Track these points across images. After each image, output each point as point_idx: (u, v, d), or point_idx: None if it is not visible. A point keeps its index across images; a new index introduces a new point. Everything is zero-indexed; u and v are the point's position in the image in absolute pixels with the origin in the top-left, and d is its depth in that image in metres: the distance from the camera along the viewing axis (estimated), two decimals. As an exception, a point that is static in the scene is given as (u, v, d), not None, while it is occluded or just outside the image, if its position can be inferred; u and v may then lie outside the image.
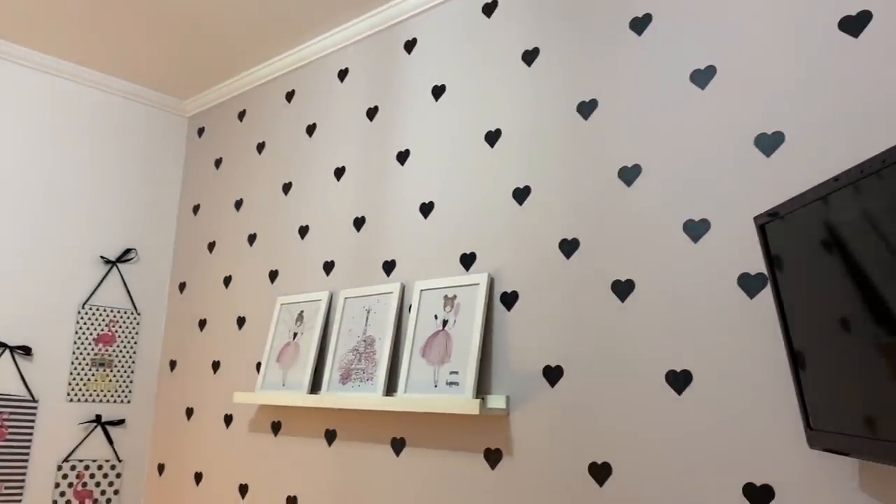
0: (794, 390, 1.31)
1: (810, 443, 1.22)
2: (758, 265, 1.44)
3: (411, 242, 2.16)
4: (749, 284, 1.45)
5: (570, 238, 1.77)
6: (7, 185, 2.72)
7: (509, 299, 1.87)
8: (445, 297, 2.00)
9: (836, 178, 1.13)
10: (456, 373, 1.89)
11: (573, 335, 1.71)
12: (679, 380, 1.51)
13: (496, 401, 1.82)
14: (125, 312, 2.96)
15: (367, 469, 2.10)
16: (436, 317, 2.00)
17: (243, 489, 2.48)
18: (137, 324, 3.00)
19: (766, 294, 1.42)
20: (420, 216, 2.15)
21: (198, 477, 2.69)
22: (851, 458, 1.26)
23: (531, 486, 1.71)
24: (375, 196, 2.31)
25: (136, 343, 2.98)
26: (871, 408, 1.06)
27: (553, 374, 1.73)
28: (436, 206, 2.12)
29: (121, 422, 2.89)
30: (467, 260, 2.00)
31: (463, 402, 1.77)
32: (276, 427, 2.42)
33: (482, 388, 1.87)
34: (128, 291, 2.99)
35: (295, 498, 2.28)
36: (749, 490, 1.37)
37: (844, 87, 1.40)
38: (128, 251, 2.99)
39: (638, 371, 1.58)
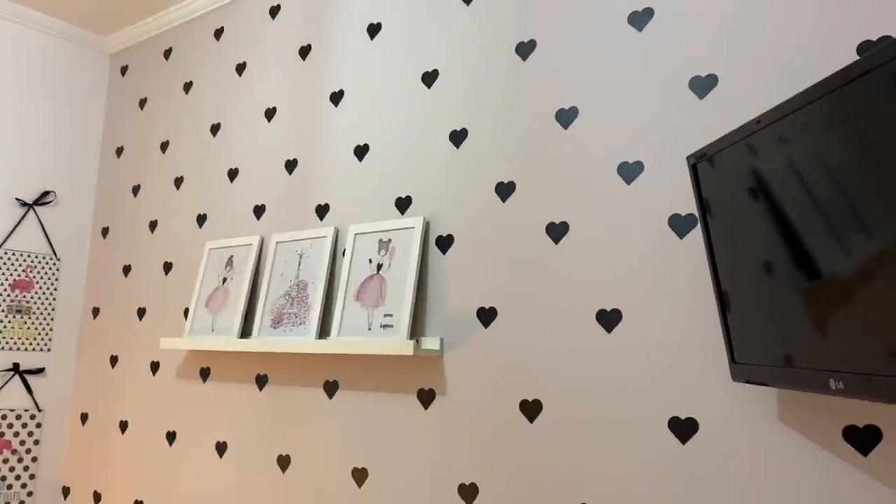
0: (720, 327, 1.35)
1: (734, 375, 1.26)
2: (688, 206, 1.47)
3: (345, 186, 2.13)
4: (679, 225, 1.48)
5: (506, 181, 1.77)
6: (-90, 119, 2.54)
7: (445, 243, 1.86)
8: (380, 241, 1.98)
9: (758, 120, 1.15)
10: (390, 315, 1.88)
11: (507, 277, 1.72)
12: (609, 318, 1.54)
13: (430, 342, 1.82)
14: (44, 258, 2.84)
15: (300, 413, 2.08)
16: (370, 261, 1.98)
17: (171, 436, 2.43)
18: (57, 269, 2.87)
19: (695, 234, 1.45)
20: (354, 159, 2.12)
21: (123, 425, 2.63)
22: (771, 388, 1.32)
23: (464, 424, 1.73)
24: (308, 138, 2.26)
25: (55, 289, 2.86)
26: (790, 344, 1.10)
27: (487, 316, 1.74)
28: (371, 148, 2.08)
29: (40, 370, 2.79)
30: (403, 204, 1.98)
31: (397, 343, 1.77)
32: (204, 373, 2.38)
33: (416, 331, 1.87)
34: (46, 236, 2.86)
35: (225, 444, 2.26)
36: (674, 424, 1.42)
37: (777, 31, 1.42)
38: (46, 193, 2.86)
39: (569, 311, 1.60)
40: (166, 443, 2.44)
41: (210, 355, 2.37)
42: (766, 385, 1.18)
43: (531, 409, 1.63)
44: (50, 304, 2.84)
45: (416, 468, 1.80)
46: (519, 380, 1.66)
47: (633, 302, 1.52)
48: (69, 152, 2.94)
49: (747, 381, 1.23)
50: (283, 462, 2.08)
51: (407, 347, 1.75)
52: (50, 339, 2.83)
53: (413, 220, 1.92)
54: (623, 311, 1.53)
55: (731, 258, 1.26)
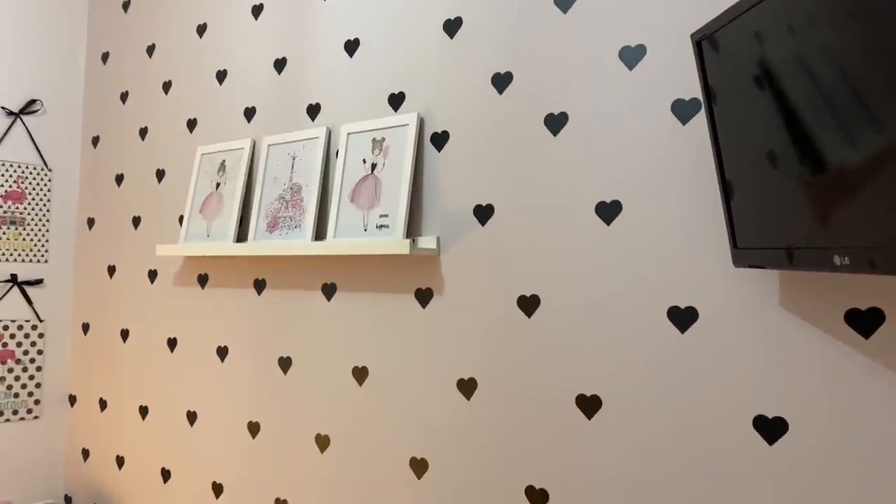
0: (723, 214, 1.32)
1: (735, 261, 1.24)
2: (691, 90, 1.41)
3: (336, 84, 2.05)
4: (682, 110, 1.42)
5: (503, 72, 1.70)
6: None
7: (440, 139, 1.81)
8: (374, 139, 1.92)
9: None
10: (386, 216, 1.85)
11: (504, 173, 1.68)
12: (609, 210, 1.50)
13: (426, 241, 1.79)
14: (34, 168, 2.79)
15: (299, 316, 2.08)
16: (364, 161, 1.93)
17: (172, 343, 2.44)
18: (49, 180, 2.83)
19: (698, 120, 1.40)
20: (345, 55, 2.04)
21: (124, 334, 2.64)
22: (772, 275, 1.29)
23: (462, 322, 1.72)
24: (297, 35, 2.17)
25: (48, 201, 2.82)
26: (794, 228, 1.06)
27: (484, 213, 1.71)
28: (361, 43, 2.00)
29: (39, 281, 2.78)
30: (396, 100, 1.91)
31: (393, 243, 1.74)
32: (202, 280, 2.36)
33: (413, 231, 1.84)
34: (36, 146, 2.80)
35: (226, 348, 2.26)
36: (673, 313, 1.40)
37: None
38: (32, 102, 2.78)
39: (568, 204, 1.57)
40: (168, 349, 2.46)
41: (207, 262, 2.36)
42: (769, 268, 1.15)
43: (529, 304, 1.61)
44: (44, 215, 2.81)
45: (416, 365, 1.80)
46: (516, 276, 1.64)
47: (633, 192, 1.47)
48: (53, 59, 2.85)
49: (749, 266, 1.20)
50: (285, 364, 2.09)
51: (403, 247, 1.72)
52: (46, 251, 2.81)
53: (407, 117, 1.86)
54: (623, 203, 1.49)
55: (735, 145, 1.21)
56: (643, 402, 1.43)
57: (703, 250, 1.38)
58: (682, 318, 1.39)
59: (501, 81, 1.70)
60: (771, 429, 1.29)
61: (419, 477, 1.77)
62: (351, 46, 2.02)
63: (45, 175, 2.82)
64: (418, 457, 1.77)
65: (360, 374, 1.91)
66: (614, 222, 1.50)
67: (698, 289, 1.38)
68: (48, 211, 2.82)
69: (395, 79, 1.91)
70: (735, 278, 1.34)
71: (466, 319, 1.71)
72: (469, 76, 1.76)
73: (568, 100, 1.59)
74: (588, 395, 1.51)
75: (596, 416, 1.49)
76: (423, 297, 1.80)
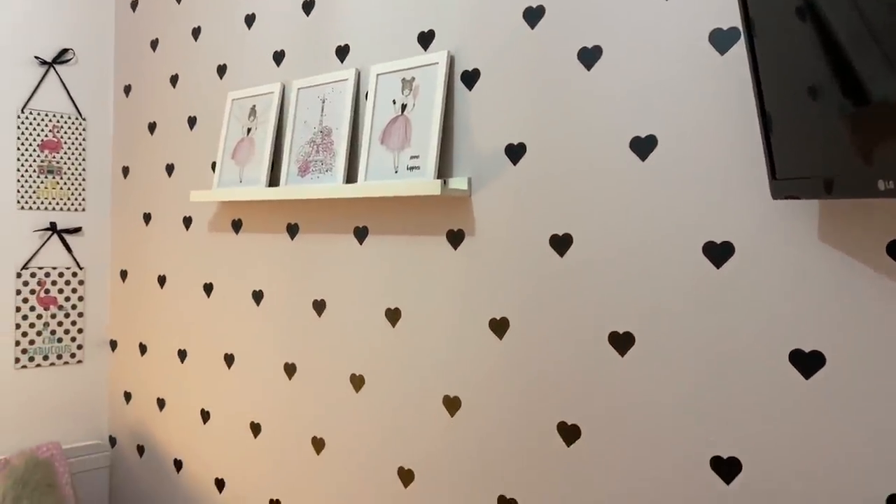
0: (762, 146, 1.29)
1: (774, 193, 1.21)
2: (730, 19, 1.37)
3: (365, 24, 2.03)
4: (721, 40, 1.38)
5: (535, 6, 1.66)
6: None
7: (470, 77, 1.78)
8: (403, 79, 1.90)
9: None
10: (417, 157, 1.83)
11: (537, 110, 1.65)
12: (644, 145, 1.48)
13: (458, 182, 1.78)
14: (69, 118, 2.81)
15: (332, 259, 2.09)
16: (394, 102, 1.92)
17: (208, 288, 2.48)
18: (84, 129, 2.86)
19: (736, 50, 1.36)
20: (374, -6, 2.01)
21: (161, 280, 2.68)
22: (811, 208, 1.26)
23: (493, 262, 1.72)
24: (325, -25, 2.14)
25: (84, 150, 2.86)
26: (837, 158, 1.03)
27: (516, 152, 1.69)
28: (391, -18, 1.97)
29: (77, 229, 2.83)
30: (425, 38, 1.88)
31: (424, 184, 1.74)
32: (236, 225, 2.39)
33: (443, 172, 1.83)
34: (69, 95, 2.82)
35: (261, 292, 2.29)
36: (709, 248, 1.38)
37: None
38: (64, 51, 2.79)
39: (602, 141, 1.54)
40: (204, 294, 2.50)
41: (241, 207, 2.38)
42: (808, 198, 1.12)
43: (561, 243, 1.60)
44: (80, 164, 2.84)
45: (448, 306, 1.81)
46: (549, 215, 1.62)
47: (668, 126, 1.44)
48: (84, 7, 2.85)
49: (787, 197, 1.17)
50: (319, 307, 2.12)
51: (434, 187, 1.71)
52: (83, 199, 2.86)
53: (436, 56, 1.83)
54: (658, 137, 1.46)
55: (776, 76, 1.17)
56: (677, 338, 1.43)
57: (739, 184, 1.35)
58: (718, 253, 1.37)
59: (533, 15, 1.66)
60: (807, 363, 1.27)
61: (452, 414, 1.79)
62: (379, -15, 1.99)
63: (80, 124, 2.85)
64: (451, 395, 1.79)
65: (393, 315, 1.93)
66: (649, 157, 1.47)
67: (734, 223, 1.36)
68: (84, 160, 2.86)
69: (424, 17, 1.88)
70: (772, 212, 1.31)
71: (498, 260, 1.71)
72: (500, 11, 1.72)
73: (602, 33, 1.55)
74: (621, 332, 1.50)
75: (629, 352, 1.49)
76: (455, 238, 1.80)
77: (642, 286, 1.47)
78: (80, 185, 2.84)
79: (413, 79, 1.88)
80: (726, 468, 1.36)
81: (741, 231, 1.35)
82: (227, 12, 2.44)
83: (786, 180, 1.18)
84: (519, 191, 1.68)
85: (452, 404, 1.79)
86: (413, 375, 1.88)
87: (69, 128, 2.81)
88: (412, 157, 1.85)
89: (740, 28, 1.35)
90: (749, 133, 1.34)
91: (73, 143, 2.82)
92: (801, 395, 1.28)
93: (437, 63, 1.83)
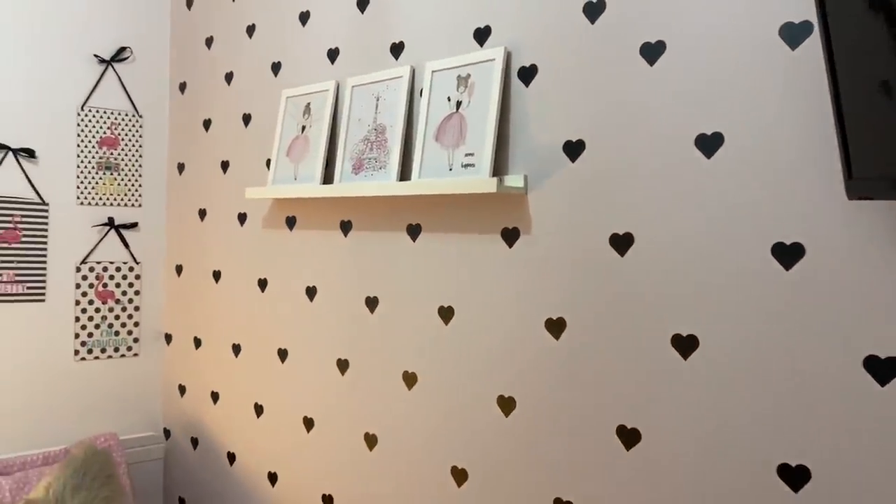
0: (837, 143, 1.24)
1: (849, 193, 1.16)
2: (801, 12, 1.32)
3: (420, 20, 2.02)
4: (792, 34, 1.33)
5: (595, 0, 1.63)
6: (-16, -25, 2.53)
7: (527, 74, 1.76)
8: (458, 76, 1.89)
9: None
10: (472, 154, 1.82)
11: (596, 107, 1.62)
12: (709, 142, 1.44)
13: (513, 180, 1.76)
14: (126, 115, 2.87)
15: (385, 257, 2.09)
16: (449, 99, 1.90)
17: (262, 283, 2.51)
18: (140, 126, 2.91)
19: (809, 45, 1.31)
20: (429, -9, 1.99)
21: (216, 275, 2.72)
22: (890, 208, 1.21)
23: (550, 261, 1.69)
24: (380, -28, 2.14)
25: (140, 146, 2.91)
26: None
27: (574, 149, 1.66)
28: (446, -22, 1.95)
29: (134, 225, 2.88)
30: (481, 35, 1.86)
31: (479, 182, 1.72)
32: (290, 222, 2.40)
33: (499, 169, 1.81)
34: (127, 93, 2.87)
35: (314, 288, 2.31)
36: (778, 249, 1.34)
37: None
38: (122, 49, 2.85)
39: (665, 138, 1.50)
40: (258, 289, 2.52)
41: (295, 204, 2.39)
42: (886, 199, 1.08)
43: (622, 243, 1.57)
44: (136, 160, 2.90)
45: (502, 305, 1.79)
46: (609, 213, 1.59)
47: (735, 123, 1.40)
48: (140, 6, 2.90)
49: (864, 198, 1.13)
50: (372, 303, 2.12)
51: (490, 185, 1.70)
52: (140, 195, 2.91)
53: (493, 52, 1.81)
54: (725, 134, 1.42)
55: (851, 73, 1.13)
56: (743, 341, 1.39)
57: (811, 183, 1.31)
58: (788, 254, 1.33)
59: (593, 10, 1.63)
60: (883, 369, 1.22)
61: (507, 415, 1.77)
62: (435, -19, 1.98)
63: (137, 121, 2.90)
64: (506, 395, 1.78)
65: (447, 313, 1.92)
66: (715, 155, 1.43)
67: (805, 224, 1.31)
68: (140, 156, 2.91)
69: (481, 13, 1.87)
70: (845, 212, 1.27)
71: (555, 258, 1.69)
72: (559, 7, 1.70)
73: (665, 27, 1.51)
74: (684, 334, 1.47)
75: (692, 355, 1.46)
76: (510, 236, 1.78)
77: (707, 288, 1.44)
78: (136, 181, 2.89)
79: (469, 76, 1.87)
80: (794, 476, 1.32)
81: (812, 231, 1.30)
82: (282, 10, 2.46)
83: (862, 180, 1.13)
84: (577, 188, 1.65)
85: (507, 405, 1.77)
86: (467, 374, 1.87)
87: (126, 125, 2.87)
88: (467, 155, 1.83)
89: (813, 22, 1.31)
90: (821, 130, 1.29)
91: (130, 140, 2.87)
92: (875, 402, 1.23)
93: (494, 59, 1.81)
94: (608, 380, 1.59)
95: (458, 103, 1.88)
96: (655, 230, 1.52)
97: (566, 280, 1.67)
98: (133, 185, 2.89)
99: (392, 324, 2.06)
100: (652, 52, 1.53)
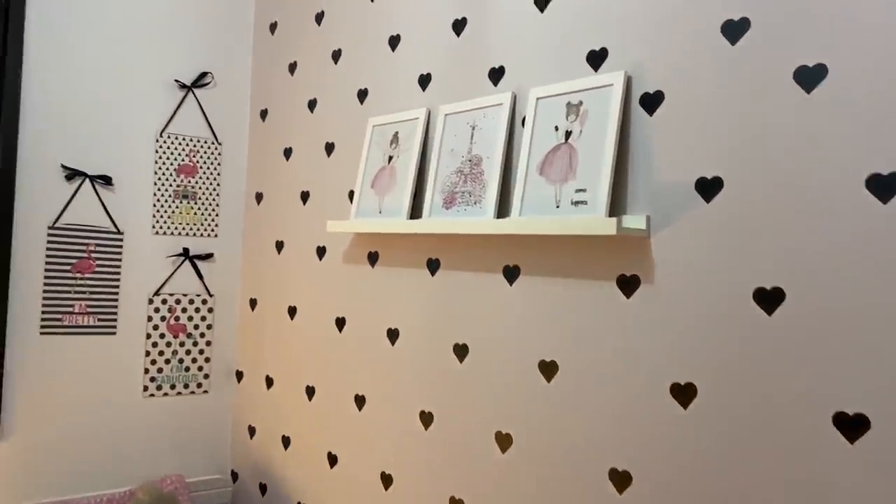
0: None
1: None
2: None
3: (524, 43, 1.83)
4: None
5: (736, 18, 1.41)
6: (81, 3, 2.47)
7: (652, 101, 1.55)
8: (569, 104, 1.69)
9: None
10: (583, 191, 1.61)
11: (738, 139, 1.40)
12: (886, 184, 1.20)
13: (634, 220, 1.55)
14: (205, 142, 2.77)
15: (476, 300, 1.89)
16: (556, 128, 1.71)
17: (340, 322, 2.34)
18: (219, 154, 2.81)
19: None
20: (535, 10, 1.81)
21: (292, 311, 2.57)
22: None
23: (677, 316, 1.46)
24: (480, -9, 1.97)
25: (219, 174, 2.80)
26: None
27: (709, 188, 1.44)
28: (555, -4, 1.77)
29: (209, 256, 2.77)
30: (596, 58, 1.67)
31: (594, 221, 1.51)
32: (373, 258, 2.23)
33: (616, 208, 1.60)
34: (206, 119, 2.78)
35: (396, 331, 2.12)
36: None
37: None
38: (203, 75, 2.76)
39: (827, 178, 1.27)
40: (336, 329, 2.36)
41: (378, 239, 2.22)
42: None
43: (770, 299, 1.33)
44: (214, 189, 2.79)
45: (616, 363, 1.56)
46: (753, 264, 1.36)
47: (926, 161, 1.16)
48: (222, 31, 2.81)
49: None
50: (461, 351, 1.92)
51: (607, 226, 1.48)
52: (216, 225, 2.80)
53: (610, 77, 1.61)
54: (910, 174, 1.18)
55: None
56: (933, 428, 1.13)
57: None
58: None
59: (735, 29, 1.41)
60: None
61: (620, 491, 1.54)
62: (542, 0, 1.79)
63: (216, 149, 2.80)
64: (620, 469, 1.54)
65: (548, 368, 1.70)
66: (893, 201, 1.19)
67: None
68: (218, 185, 2.80)
69: (595, 34, 1.67)
70: None
71: (684, 313, 1.46)
72: (691, 26, 1.49)
73: (826, 48, 1.28)
74: (851, 413, 1.22)
75: (860, 439, 1.20)
76: (628, 285, 1.56)
77: (881, 357, 1.19)
78: (213, 210, 2.78)
79: (580, 103, 1.67)
80: None
81: None
82: (371, 34, 2.32)
83: None
84: (712, 233, 1.42)
85: (622, 480, 1.54)
86: (572, 441, 1.64)
87: (205, 152, 2.77)
88: (578, 191, 1.62)
89: None
90: None
91: (208, 168, 2.77)
92: None
93: (612, 85, 1.61)
94: (751, 458, 1.34)
95: (568, 133, 1.68)
96: (813, 286, 1.27)
97: (698, 339, 1.43)
98: (210, 214, 2.78)
99: (483, 376, 1.86)
100: (809, 76, 1.30)
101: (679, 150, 1.49)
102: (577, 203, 1.62)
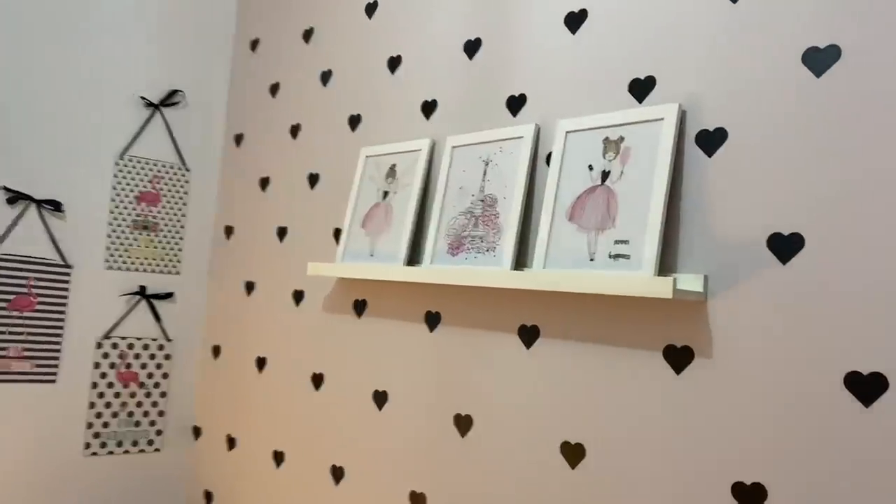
0: None
1: None
2: None
3: (550, 68, 1.59)
4: None
5: (823, 45, 1.18)
6: (35, 6, 2.18)
7: (711, 139, 1.31)
8: (606, 139, 1.44)
9: None
10: (625, 242, 1.36)
11: (824, 188, 1.16)
12: None
13: (689, 281, 1.29)
14: (171, 167, 2.47)
15: (484, 363, 1.61)
16: (591, 167, 1.46)
17: (317, 379, 2.04)
18: (186, 181, 2.51)
19: None
20: (564, 30, 1.57)
21: (260, 362, 2.26)
22: None
23: (743, 399, 1.20)
24: (496, 9, 1.73)
25: (184, 204, 2.50)
26: None
27: (785, 246, 1.19)
28: (589, 15, 1.53)
29: (169, 295, 2.45)
30: (641, 87, 1.43)
31: (643, 281, 1.25)
32: (359, 307, 1.94)
33: (664, 265, 1.34)
34: (174, 142, 2.48)
35: (385, 394, 1.83)
36: None
37: None
38: (173, 93, 2.47)
39: (951, 240, 1.03)
40: (311, 386, 2.05)
41: (367, 286, 1.94)
42: None
43: (867, 388, 1.08)
44: (178, 220, 2.48)
45: (661, 452, 1.29)
46: (844, 341, 1.11)
47: None
48: (198, 45, 2.53)
49: None
50: (463, 424, 1.63)
51: (661, 287, 1.22)
52: (179, 261, 2.49)
53: (660, 110, 1.37)
54: None
55: None
56: None
57: None
58: None
59: (821, 58, 1.18)
60: None
61: None
62: (574, 20, 1.56)
63: (183, 175, 2.50)
64: (666, 584, 1.26)
65: (573, 453, 1.42)
66: None
67: None
68: (183, 216, 2.50)
69: (640, 60, 1.43)
70: None
71: (752, 397, 1.20)
72: (764, 52, 1.25)
73: (949, 83, 1.05)
74: None
75: None
76: (678, 357, 1.30)
77: None
78: (176, 244, 2.48)
79: (621, 139, 1.42)
80: None
81: None
82: (367, 54, 2.06)
83: None
84: (791, 301, 1.17)
85: None
86: (603, 542, 1.36)
87: (170, 179, 2.47)
88: (618, 242, 1.37)
89: None
90: None
91: (173, 197, 2.47)
92: None
93: (663, 119, 1.36)
94: (843, 590, 1.07)
95: (605, 173, 1.43)
96: (932, 374, 1.02)
97: (770, 429, 1.17)
98: (172, 248, 2.47)
99: (491, 454, 1.57)
100: (927, 115, 1.07)
101: (746, 199, 1.25)
102: (616, 256, 1.36)
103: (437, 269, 1.62)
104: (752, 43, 1.27)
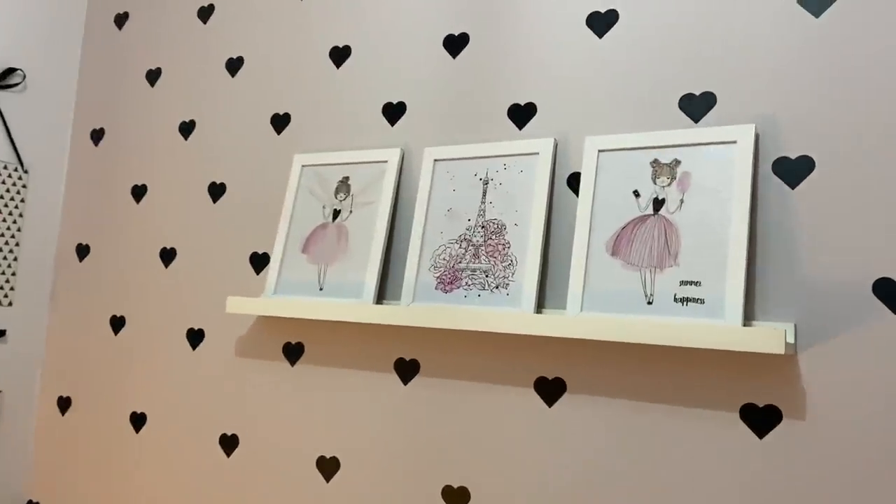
0: None
1: None
2: None
3: (569, 76, 1.36)
4: None
5: (939, 71, 1.07)
6: None
7: (794, 169, 1.15)
8: (656, 161, 1.24)
9: None
10: (695, 283, 1.16)
11: (946, 230, 1.04)
12: None
13: (773, 332, 1.12)
14: (4, 168, 1.89)
15: (486, 426, 1.33)
16: (636, 193, 1.24)
17: (228, 442, 1.62)
18: (23, 186, 1.94)
19: None
20: (587, 33, 1.35)
21: (137, 420, 1.77)
22: None
23: (842, 469, 1.04)
24: None
25: (20, 215, 1.93)
26: None
27: (894, 292, 1.06)
28: (620, 14, 1.33)
29: (1, 333, 1.87)
30: (697, 103, 1.24)
31: (719, 330, 1.05)
32: (293, 352, 1.57)
33: (744, 312, 1.16)
34: (8, 134, 1.91)
35: (335, 460, 1.47)
36: None
37: None
38: (10, 72, 1.90)
39: None
40: (220, 451, 1.63)
41: (305, 326, 1.56)
42: None
43: None
44: (12, 236, 1.91)
45: (756, 534, 1.10)
46: None
47: None
48: (45, 15, 1.97)
49: None
50: (454, 499, 1.34)
51: (765, 340, 1.03)
52: (11, 289, 1.91)
53: (727, 132, 1.19)
54: None
55: None
56: None
57: None
58: None
59: (940, 86, 1.07)
60: None
61: None
62: (599, 20, 1.34)
63: (19, 178, 1.92)
64: None
65: (622, 531, 1.19)
66: None
67: None
68: (19, 230, 1.92)
69: (695, 71, 1.25)
70: None
71: (853, 467, 1.04)
72: (860, 69, 1.12)
73: None
74: None
75: None
76: (759, 419, 1.12)
77: None
78: (7, 267, 1.89)
79: (676, 162, 1.22)
80: None
81: None
82: (298, 41, 1.69)
83: None
84: (911, 357, 1.04)
85: None
86: None
87: (2, 182, 1.89)
88: (684, 284, 1.16)
89: None
90: None
91: (5, 205, 1.89)
92: None
93: (735, 142, 1.18)
94: None
95: (659, 202, 1.22)
96: None
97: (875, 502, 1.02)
98: (3, 273, 1.88)
99: (504, 538, 1.29)
100: None
101: (842, 238, 1.10)
102: (684, 300, 1.16)
103: (425, 309, 1.31)
104: (844, 57, 1.13)
